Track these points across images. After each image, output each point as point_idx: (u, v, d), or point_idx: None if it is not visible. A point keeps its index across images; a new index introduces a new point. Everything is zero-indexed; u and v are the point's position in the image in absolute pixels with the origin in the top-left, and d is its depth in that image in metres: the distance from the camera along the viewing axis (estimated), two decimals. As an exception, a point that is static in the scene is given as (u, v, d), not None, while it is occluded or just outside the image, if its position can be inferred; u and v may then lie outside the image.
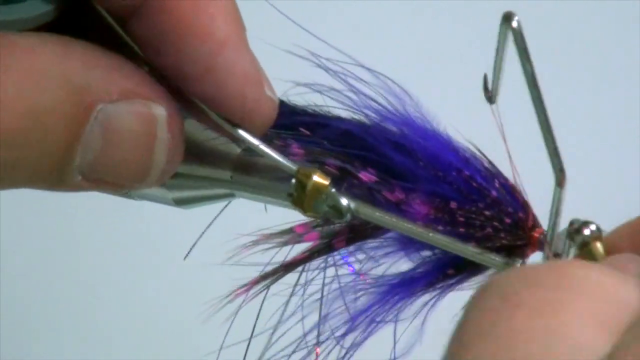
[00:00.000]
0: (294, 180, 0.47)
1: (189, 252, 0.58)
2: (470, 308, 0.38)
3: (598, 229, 0.46)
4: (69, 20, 0.44)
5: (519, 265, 0.49)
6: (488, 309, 0.37)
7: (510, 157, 0.51)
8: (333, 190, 0.47)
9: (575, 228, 0.47)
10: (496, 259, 0.49)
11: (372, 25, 1.20)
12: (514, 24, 0.44)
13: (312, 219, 0.51)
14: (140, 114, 0.43)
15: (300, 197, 0.47)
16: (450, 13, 1.17)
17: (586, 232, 0.46)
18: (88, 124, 0.42)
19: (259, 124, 0.46)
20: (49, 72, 0.41)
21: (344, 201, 0.47)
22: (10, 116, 0.39)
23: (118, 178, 0.44)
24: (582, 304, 0.36)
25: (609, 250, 0.46)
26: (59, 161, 0.42)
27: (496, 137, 0.50)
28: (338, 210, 0.47)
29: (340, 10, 1.19)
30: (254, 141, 0.46)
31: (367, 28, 1.19)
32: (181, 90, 0.45)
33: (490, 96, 0.48)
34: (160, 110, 0.44)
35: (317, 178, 0.47)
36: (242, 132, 0.46)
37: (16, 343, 1.12)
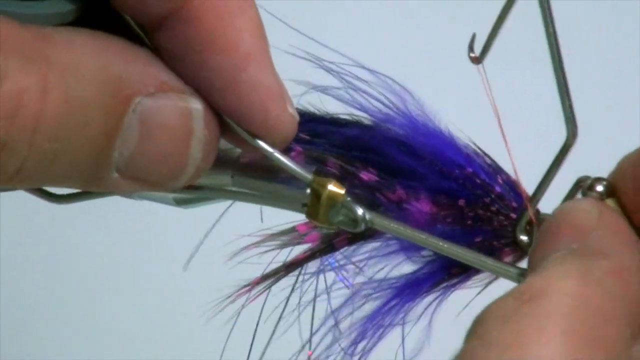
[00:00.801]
0: (308, 190, 0.46)
1: (187, 262, 0.57)
2: (460, 349, 0.39)
3: (610, 185, 0.46)
4: (87, 24, 0.44)
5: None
6: (467, 350, 0.39)
7: (509, 151, 0.50)
8: (348, 199, 0.46)
9: (589, 185, 0.46)
10: (512, 270, 0.48)
11: (372, 25, 1.20)
12: None
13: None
14: (177, 107, 0.43)
15: (314, 206, 0.46)
16: (450, 12, 1.17)
17: (599, 188, 0.46)
18: (126, 117, 0.42)
19: (279, 140, 0.46)
20: (88, 65, 0.40)
21: (359, 211, 0.46)
22: (53, 108, 0.39)
23: (154, 175, 0.44)
24: (552, 329, 0.38)
25: (613, 191, 0.46)
26: (98, 155, 0.42)
27: (496, 135, 0.50)
28: (353, 220, 0.46)
29: (339, 10, 1.19)
30: (272, 151, 0.46)
31: (367, 28, 1.19)
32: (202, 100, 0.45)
33: (476, 57, 0.48)
34: (197, 105, 0.44)
35: (333, 187, 0.46)
36: (260, 143, 0.45)
37: (16, 343, 1.12)
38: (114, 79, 0.41)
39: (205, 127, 0.44)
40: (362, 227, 0.47)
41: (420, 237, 0.48)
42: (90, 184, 0.43)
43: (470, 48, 0.48)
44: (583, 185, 0.46)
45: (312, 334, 0.52)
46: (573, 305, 0.39)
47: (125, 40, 0.43)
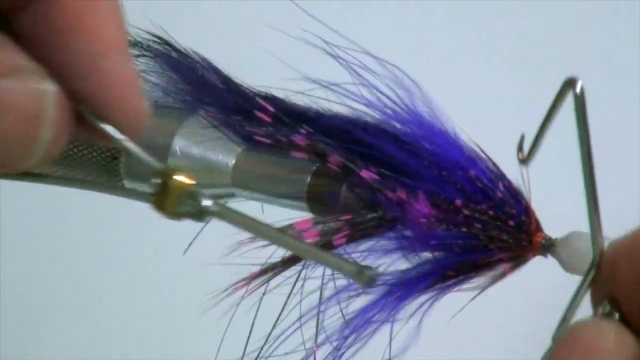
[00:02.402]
0: (158, 180, 0.46)
1: (188, 247, 0.58)
2: None
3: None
4: None
5: None
6: None
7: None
8: (195, 190, 0.45)
9: (605, 312, 0.44)
10: (350, 267, 0.44)
11: (384, 22, 1.20)
12: (577, 90, 0.43)
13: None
14: (29, 88, 0.43)
15: (161, 196, 0.46)
16: (468, 12, 1.17)
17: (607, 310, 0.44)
18: None
19: (133, 128, 0.46)
20: None
21: (206, 202, 0.45)
22: None
23: (1, 157, 0.43)
24: None
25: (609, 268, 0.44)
26: None
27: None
28: (199, 211, 0.46)
29: (354, 6, 1.19)
30: (121, 137, 0.46)
31: (378, 25, 1.20)
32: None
33: (524, 159, 0.47)
34: (49, 86, 0.43)
35: (180, 177, 0.46)
36: (109, 129, 0.45)
37: (16, 343, 1.12)
38: None
39: (58, 109, 0.43)
40: (208, 219, 0.46)
41: (269, 231, 0.46)
42: None
43: (520, 148, 0.47)
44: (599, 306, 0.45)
45: (317, 332, 0.52)
46: None
47: None
